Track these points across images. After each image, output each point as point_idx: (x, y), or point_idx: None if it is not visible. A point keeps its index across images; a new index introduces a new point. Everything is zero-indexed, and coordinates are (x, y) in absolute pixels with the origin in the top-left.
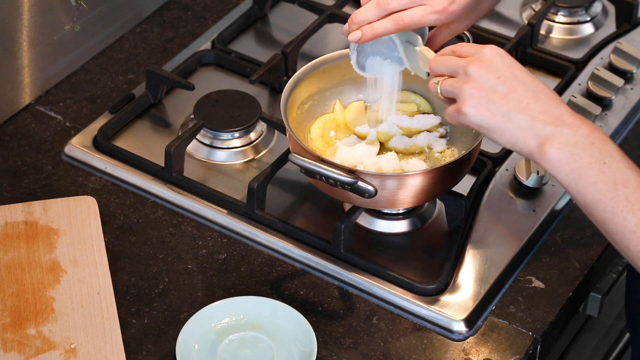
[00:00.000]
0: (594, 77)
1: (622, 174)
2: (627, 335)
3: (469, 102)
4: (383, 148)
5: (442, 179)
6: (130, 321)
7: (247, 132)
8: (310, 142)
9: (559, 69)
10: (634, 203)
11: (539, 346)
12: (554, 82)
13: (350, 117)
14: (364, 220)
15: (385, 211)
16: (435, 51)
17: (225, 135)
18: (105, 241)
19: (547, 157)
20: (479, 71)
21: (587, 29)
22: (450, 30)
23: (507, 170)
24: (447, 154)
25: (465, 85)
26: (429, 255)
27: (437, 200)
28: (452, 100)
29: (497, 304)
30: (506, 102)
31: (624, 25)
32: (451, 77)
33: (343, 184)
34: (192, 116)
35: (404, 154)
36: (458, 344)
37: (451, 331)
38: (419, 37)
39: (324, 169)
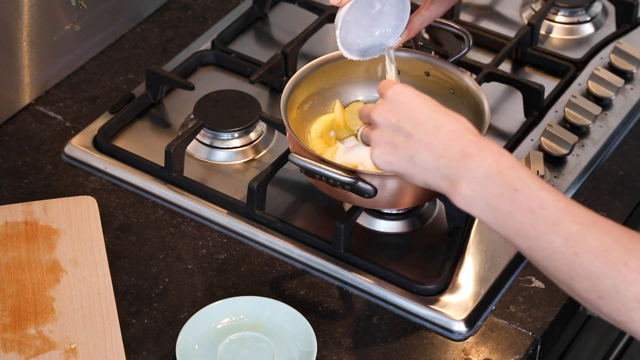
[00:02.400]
0: (594, 77)
1: (535, 197)
2: (627, 335)
3: (376, 150)
4: None
5: None
6: (130, 321)
7: (247, 132)
8: (310, 142)
9: (559, 69)
10: (555, 224)
11: (539, 346)
12: (554, 82)
13: (350, 117)
14: (364, 220)
15: (385, 211)
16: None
17: (225, 135)
18: (105, 241)
19: (460, 197)
20: (380, 117)
21: (587, 29)
22: (429, 12)
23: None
24: None
25: (371, 132)
26: (429, 255)
27: (437, 200)
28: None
29: (497, 304)
30: (408, 145)
31: (624, 25)
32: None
33: (343, 184)
34: (192, 116)
35: None
36: (458, 344)
37: (451, 331)
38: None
39: (324, 169)
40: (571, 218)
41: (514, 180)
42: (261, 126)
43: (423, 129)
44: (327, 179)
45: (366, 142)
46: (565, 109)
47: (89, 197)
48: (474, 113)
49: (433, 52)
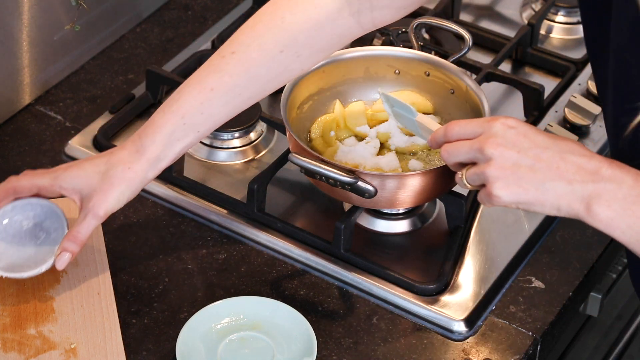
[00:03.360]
0: None
1: None
2: (627, 335)
3: (497, 184)
4: (383, 147)
5: (442, 179)
6: (130, 321)
7: (247, 132)
8: (311, 142)
9: (559, 69)
10: None
11: (539, 346)
12: (554, 82)
13: (350, 117)
14: (364, 220)
15: (385, 211)
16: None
17: (225, 135)
18: (105, 241)
19: (599, 218)
20: (496, 151)
21: None
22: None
23: None
24: None
25: (487, 168)
26: (429, 255)
27: (437, 200)
28: (482, 186)
29: (497, 304)
30: (535, 174)
31: None
32: (471, 163)
33: (343, 184)
34: None
35: (404, 153)
36: (458, 344)
37: (451, 331)
38: (412, 107)
39: (324, 169)
40: None
41: None
42: (261, 126)
43: (548, 155)
44: (327, 179)
45: (477, 181)
46: (565, 109)
47: None
48: (474, 113)
49: (433, 52)
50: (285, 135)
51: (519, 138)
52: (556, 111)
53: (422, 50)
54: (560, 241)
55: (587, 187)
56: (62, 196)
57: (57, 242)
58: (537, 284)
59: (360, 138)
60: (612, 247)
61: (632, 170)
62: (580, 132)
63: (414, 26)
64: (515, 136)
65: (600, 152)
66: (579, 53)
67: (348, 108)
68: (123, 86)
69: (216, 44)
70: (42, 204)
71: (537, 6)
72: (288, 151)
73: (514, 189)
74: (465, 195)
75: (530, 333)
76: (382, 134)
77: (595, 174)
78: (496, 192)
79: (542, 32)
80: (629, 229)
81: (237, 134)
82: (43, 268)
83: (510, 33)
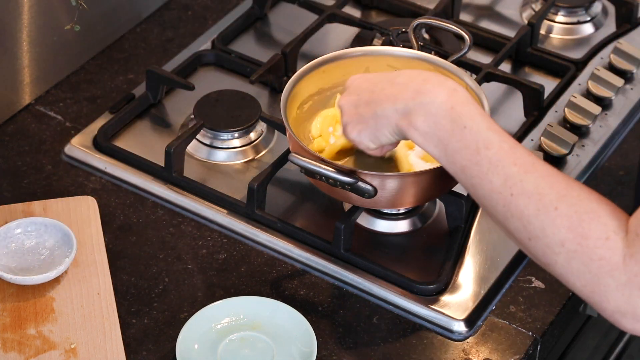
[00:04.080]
0: (594, 77)
1: (483, 136)
2: (627, 335)
3: (347, 129)
4: None
5: (442, 179)
6: (130, 321)
7: (247, 132)
8: (312, 143)
9: (559, 69)
10: (497, 164)
11: (539, 346)
12: (554, 82)
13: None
14: (364, 220)
15: (386, 211)
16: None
17: (225, 135)
18: (105, 241)
19: (418, 133)
20: (343, 101)
21: (587, 29)
22: None
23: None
24: None
25: (342, 119)
26: (429, 255)
27: (437, 200)
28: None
29: (497, 304)
30: (370, 106)
31: (624, 25)
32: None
33: (343, 184)
34: (192, 116)
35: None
36: (458, 344)
37: (451, 331)
38: None
39: (324, 169)
40: (513, 160)
41: (464, 117)
42: (261, 126)
43: (379, 87)
44: (327, 179)
45: (346, 134)
46: (565, 109)
47: (89, 197)
48: None
49: (433, 52)
50: (285, 135)
51: (360, 83)
52: (556, 111)
53: (422, 50)
54: None
55: (408, 105)
56: None
57: (60, 258)
58: (537, 284)
59: None
60: None
61: (451, 84)
62: (580, 132)
63: (414, 26)
64: (357, 83)
65: (601, 151)
66: (579, 53)
67: None
68: (123, 86)
69: (216, 44)
70: (46, 223)
71: (537, 6)
72: (288, 151)
73: (357, 127)
74: (466, 195)
75: (530, 333)
76: None
77: (416, 92)
78: (349, 136)
79: (542, 32)
80: (439, 143)
81: (237, 134)
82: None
83: (510, 33)
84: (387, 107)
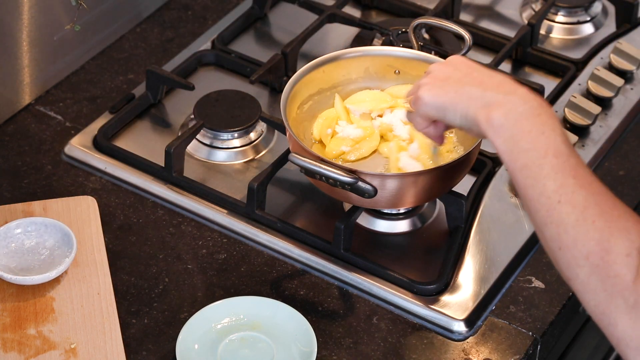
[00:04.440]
0: (594, 77)
1: (556, 146)
2: None
3: (424, 87)
4: (383, 139)
5: (442, 179)
6: (130, 321)
7: (247, 132)
8: (313, 144)
9: (559, 69)
10: (557, 172)
11: (539, 346)
12: (554, 82)
13: (354, 102)
14: (364, 220)
15: (385, 211)
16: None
17: (225, 135)
18: (105, 241)
19: (492, 122)
20: (436, 67)
21: (587, 29)
22: None
23: (507, 170)
24: (451, 150)
25: (423, 79)
26: (429, 255)
27: (437, 200)
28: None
29: (497, 304)
30: (460, 82)
31: (624, 25)
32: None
33: (343, 184)
34: (192, 116)
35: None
36: (458, 344)
37: (451, 331)
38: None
39: (324, 169)
40: (573, 173)
41: (546, 126)
42: (261, 126)
43: (478, 73)
44: (327, 179)
45: (413, 92)
46: (565, 109)
47: (89, 197)
48: None
49: (433, 52)
50: (285, 135)
51: (459, 62)
52: (556, 111)
53: (422, 50)
54: None
55: (497, 96)
56: None
57: (60, 258)
58: (537, 284)
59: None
60: None
61: (545, 102)
62: (580, 132)
63: (414, 26)
64: (457, 61)
65: (601, 151)
66: (579, 53)
67: (352, 97)
68: (123, 86)
69: (216, 44)
70: (46, 223)
71: (537, 6)
72: (288, 151)
73: (435, 91)
74: (466, 195)
75: (530, 333)
76: (384, 125)
77: (510, 90)
78: (421, 93)
79: (542, 32)
80: (510, 139)
81: (237, 134)
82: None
83: (510, 33)
84: (475, 91)
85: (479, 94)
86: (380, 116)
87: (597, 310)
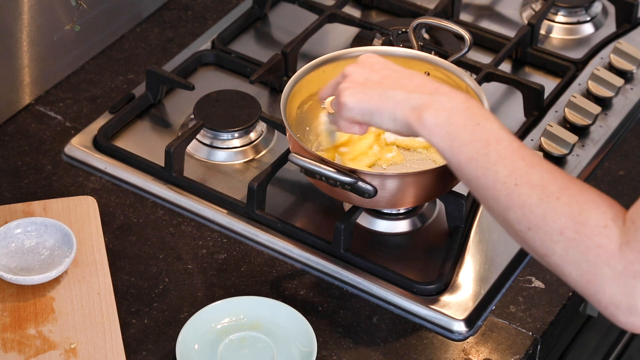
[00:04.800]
0: (594, 77)
1: (495, 133)
2: (627, 335)
3: (346, 92)
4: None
5: (442, 179)
6: (130, 321)
7: (247, 132)
8: (311, 141)
9: (559, 69)
10: (505, 157)
11: (539, 346)
12: (554, 82)
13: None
14: (364, 220)
15: (386, 211)
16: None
17: (225, 135)
18: (105, 241)
19: (425, 123)
20: (352, 68)
21: (587, 29)
22: None
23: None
24: None
25: (342, 83)
26: (429, 255)
27: (437, 200)
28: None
29: (497, 304)
30: (381, 85)
31: (624, 25)
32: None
33: (343, 184)
34: (192, 116)
35: (405, 148)
36: (458, 344)
37: (451, 331)
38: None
39: (324, 169)
40: (520, 156)
41: (479, 117)
42: (261, 126)
43: (397, 75)
44: (327, 179)
45: (330, 95)
46: (565, 109)
47: (89, 197)
48: None
49: (433, 52)
50: (285, 135)
51: (375, 63)
52: (556, 111)
53: (422, 50)
54: None
55: (422, 98)
56: None
57: (60, 258)
58: (537, 284)
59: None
60: None
61: (463, 94)
62: (580, 132)
63: (414, 26)
64: (373, 62)
65: (601, 151)
66: (579, 53)
67: None
68: (123, 86)
69: (216, 44)
70: (46, 223)
71: (537, 6)
72: (288, 151)
73: (359, 96)
74: (466, 195)
75: (530, 333)
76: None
77: (434, 90)
78: (343, 99)
79: (542, 32)
80: (447, 135)
81: (237, 134)
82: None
83: (510, 33)
84: (400, 94)
85: (404, 97)
86: None
87: (581, 280)
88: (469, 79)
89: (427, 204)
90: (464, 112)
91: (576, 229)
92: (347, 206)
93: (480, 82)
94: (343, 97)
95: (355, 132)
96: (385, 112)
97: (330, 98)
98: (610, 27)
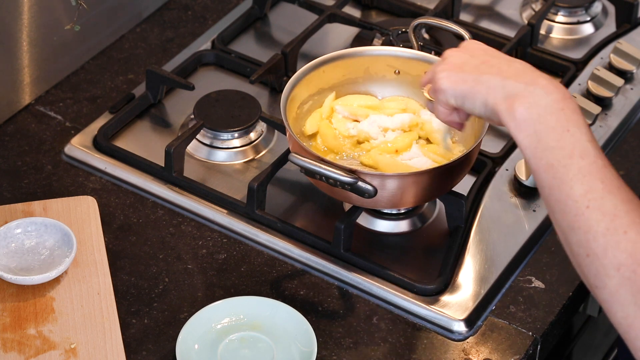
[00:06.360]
0: (594, 77)
1: (582, 145)
2: None
3: (441, 74)
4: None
5: (442, 179)
6: (130, 321)
7: (247, 132)
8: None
9: (559, 69)
10: (585, 175)
11: (539, 346)
12: None
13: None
14: (364, 220)
15: (386, 211)
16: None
17: (225, 135)
18: (105, 241)
19: (514, 115)
20: (452, 52)
21: (587, 29)
22: None
23: (507, 170)
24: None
25: (439, 65)
26: (429, 255)
27: (437, 200)
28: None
29: (497, 304)
30: (478, 69)
31: (624, 25)
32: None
33: (343, 184)
34: (192, 116)
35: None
36: (458, 344)
37: (451, 331)
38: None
39: (324, 169)
40: (601, 177)
41: (570, 122)
42: (261, 126)
43: (496, 60)
44: (327, 179)
45: (429, 80)
46: None
47: (89, 197)
48: None
49: (433, 52)
50: (285, 135)
51: (476, 47)
52: None
53: (422, 50)
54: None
55: (517, 86)
56: None
57: (60, 258)
58: (537, 284)
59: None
60: None
61: (565, 90)
62: None
63: (414, 26)
64: (473, 47)
65: None
66: (579, 53)
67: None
68: (123, 86)
69: (216, 44)
70: (46, 223)
71: (537, 6)
72: (288, 151)
73: (454, 79)
74: (466, 195)
75: (530, 333)
76: (362, 132)
77: (531, 80)
78: (439, 82)
79: (542, 32)
80: (534, 135)
81: (237, 134)
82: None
83: (510, 33)
84: (495, 80)
85: (499, 83)
86: (358, 121)
87: (624, 322)
88: None
89: (427, 204)
90: (558, 113)
91: (633, 268)
92: (347, 206)
93: None
94: (439, 80)
95: (454, 121)
96: (477, 97)
97: (429, 86)
98: (610, 27)
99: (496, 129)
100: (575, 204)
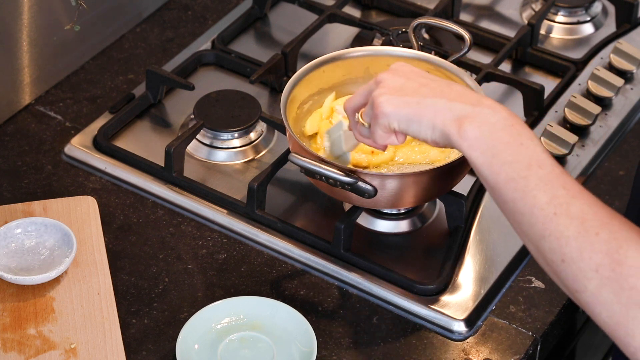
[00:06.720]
0: (594, 77)
1: (538, 156)
2: None
3: (382, 99)
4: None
5: (442, 179)
6: (130, 321)
7: (247, 132)
8: (311, 145)
9: (559, 69)
10: (547, 183)
11: (539, 346)
12: (554, 82)
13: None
14: (364, 220)
15: (386, 211)
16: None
17: (225, 135)
18: (105, 241)
19: (466, 135)
20: (386, 76)
21: (587, 29)
22: None
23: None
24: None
25: (376, 90)
26: (429, 255)
27: (437, 200)
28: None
29: (497, 304)
30: (419, 93)
31: (624, 25)
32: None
33: (343, 184)
34: (192, 116)
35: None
36: (458, 344)
37: (451, 331)
38: (342, 122)
39: (324, 169)
40: (562, 183)
41: (523, 136)
42: (261, 126)
43: (435, 84)
44: (327, 179)
45: (368, 113)
46: (565, 109)
47: (89, 197)
48: None
49: (433, 52)
50: (285, 135)
51: (410, 71)
52: (556, 111)
53: (422, 50)
54: None
55: (465, 108)
56: None
57: (60, 258)
58: (537, 284)
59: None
60: None
61: (508, 109)
62: (580, 132)
63: (414, 26)
64: (407, 70)
65: (601, 151)
66: (579, 53)
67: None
68: (123, 86)
69: (216, 44)
70: (46, 223)
71: (537, 6)
72: (288, 151)
73: (396, 102)
74: (466, 195)
75: (530, 333)
76: None
77: (476, 101)
78: (380, 106)
79: (542, 32)
80: (488, 151)
81: (237, 134)
82: (51, 275)
83: (510, 33)
84: (441, 102)
85: (445, 106)
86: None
87: (610, 322)
88: (469, 79)
89: (427, 204)
90: (509, 129)
91: (612, 267)
92: (347, 206)
93: (480, 82)
94: (380, 104)
95: (392, 142)
96: (424, 120)
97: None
98: (610, 27)
99: None
100: (542, 212)
